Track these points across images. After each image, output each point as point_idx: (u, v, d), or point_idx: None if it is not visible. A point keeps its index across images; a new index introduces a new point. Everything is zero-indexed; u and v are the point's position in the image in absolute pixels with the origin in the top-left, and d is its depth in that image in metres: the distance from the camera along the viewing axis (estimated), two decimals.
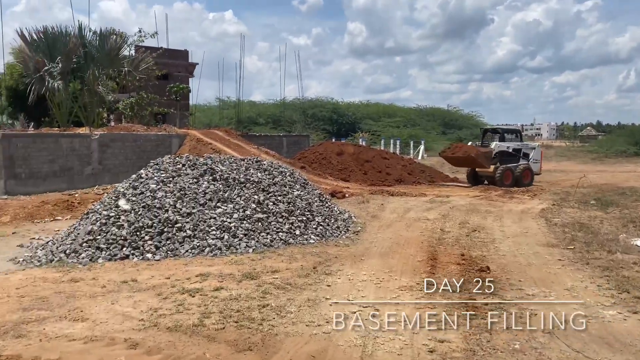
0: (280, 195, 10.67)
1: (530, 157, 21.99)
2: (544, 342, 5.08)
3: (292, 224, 10.01)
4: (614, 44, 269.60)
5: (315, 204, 11.28)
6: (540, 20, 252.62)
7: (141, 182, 9.74)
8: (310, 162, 22.90)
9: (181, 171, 10.19)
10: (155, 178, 9.81)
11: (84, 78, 30.04)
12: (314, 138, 45.30)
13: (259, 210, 9.93)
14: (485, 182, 21.94)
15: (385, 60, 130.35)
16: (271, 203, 10.28)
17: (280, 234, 9.62)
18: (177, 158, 10.69)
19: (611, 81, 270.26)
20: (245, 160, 11.72)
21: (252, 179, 10.69)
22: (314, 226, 10.30)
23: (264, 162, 11.85)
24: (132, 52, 34.25)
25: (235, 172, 10.77)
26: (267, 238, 9.37)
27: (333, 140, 41.81)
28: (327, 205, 11.71)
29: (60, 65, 29.19)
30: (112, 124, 30.31)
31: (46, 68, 29.38)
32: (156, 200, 9.22)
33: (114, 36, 32.63)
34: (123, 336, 5.15)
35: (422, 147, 42.97)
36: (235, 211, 9.63)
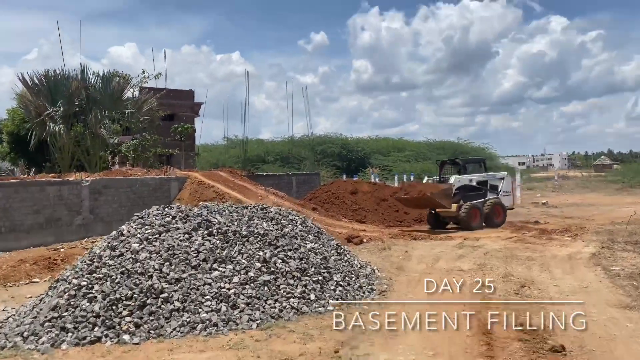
0: (290, 250, 8.92)
1: (499, 189, 19.15)
2: None
3: (305, 286, 8.22)
4: (620, 73, 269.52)
5: (333, 258, 9.51)
6: (545, 51, 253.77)
7: (121, 241, 8.04)
8: (322, 203, 21.19)
9: (170, 225, 8.50)
10: (139, 235, 8.10)
11: (86, 121, 29.17)
12: (324, 174, 43.97)
13: (265, 270, 8.17)
14: (450, 223, 19.09)
15: (392, 96, 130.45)
16: (280, 260, 8.53)
17: (292, 300, 7.83)
18: (166, 209, 9.02)
19: (619, 109, 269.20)
20: (248, 208, 10.03)
21: (256, 231, 8.97)
22: (332, 287, 8.50)
23: (271, 210, 10.16)
24: (136, 93, 33.51)
25: (236, 223, 9.06)
26: (274, 307, 7.58)
27: (344, 177, 40.27)
28: (345, 258, 9.92)
29: (61, 109, 28.35)
30: (117, 167, 29.18)
31: (47, 112, 28.51)
32: (138, 264, 7.50)
33: (117, 78, 31.93)
34: None
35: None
36: (236, 273, 7.88)
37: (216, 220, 8.91)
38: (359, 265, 9.99)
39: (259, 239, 8.82)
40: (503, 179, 19.71)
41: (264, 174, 25.41)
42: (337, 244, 10.42)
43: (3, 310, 8.67)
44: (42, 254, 12.77)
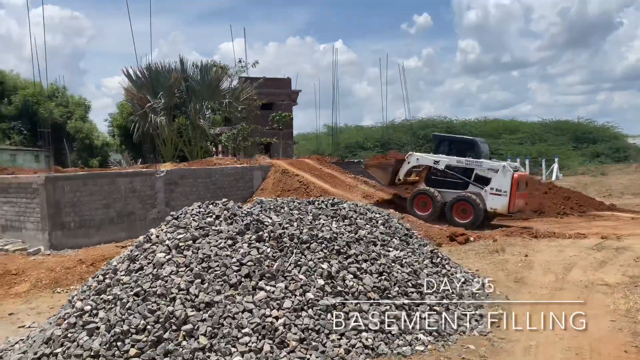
0: (366, 261, 6.68)
1: (489, 184, 14.63)
2: None
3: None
4: None
5: (426, 270, 7.12)
6: None
7: (145, 250, 6.26)
8: None
9: (211, 228, 6.59)
10: (168, 242, 6.27)
11: (187, 112, 29.25)
12: None
13: (330, 290, 6.01)
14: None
15: (501, 76, 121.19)
16: (350, 276, 6.31)
17: (364, 335, 5.60)
18: (210, 207, 7.14)
19: None
20: (315, 203, 7.90)
21: (321, 234, 6.82)
22: (424, 315, 6.13)
23: (344, 205, 7.96)
24: (235, 83, 33.22)
25: (295, 224, 6.97)
26: (339, 345, 5.41)
27: None
28: (444, 271, 7.47)
29: (162, 100, 28.54)
30: (220, 156, 28.93)
31: (149, 104, 28.89)
32: (159, 282, 5.65)
33: (215, 68, 31.73)
34: None
35: (555, 166, 36.45)
36: (289, 295, 5.79)
37: (270, 221, 6.87)
38: (462, 280, 7.48)
39: (323, 245, 6.66)
40: (497, 172, 14.58)
41: (356, 160, 23.24)
42: (433, 250, 7.96)
43: (29, 326, 7.34)
44: (104, 253, 11.61)
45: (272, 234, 6.57)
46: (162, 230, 6.59)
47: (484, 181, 14.73)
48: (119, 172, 14.41)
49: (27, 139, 41.16)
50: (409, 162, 15.91)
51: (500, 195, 14.36)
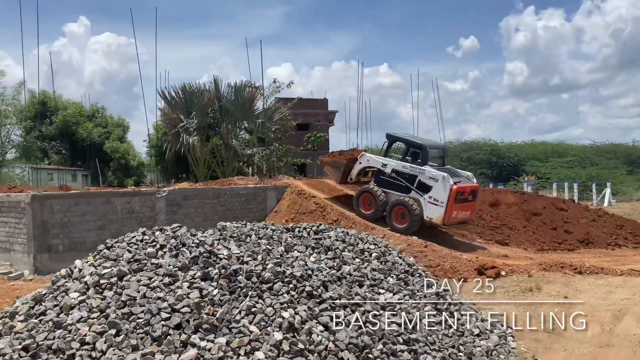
0: (345, 307, 5.18)
1: (429, 193, 14.20)
2: None
3: None
4: None
5: (426, 320, 5.54)
6: None
7: (58, 288, 4.97)
8: None
9: (149, 261, 5.25)
10: (88, 278, 4.97)
11: (220, 132, 28.81)
12: None
13: (287, 348, 4.54)
14: None
15: (551, 98, 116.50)
16: (320, 328, 4.83)
17: None
18: (157, 233, 5.82)
19: None
20: (296, 230, 6.47)
21: (289, 271, 5.37)
22: None
23: (330, 233, 6.49)
24: (271, 103, 32.69)
25: (259, 257, 5.55)
26: None
27: (490, 186, 34.86)
28: (451, 320, 5.84)
29: (195, 120, 28.23)
30: (255, 177, 28.25)
31: (181, 124, 28.67)
32: (59, 333, 4.34)
33: (248, 88, 31.31)
34: None
35: (608, 191, 33.58)
36: (229, 354, 4.36)
37: (225, 253, 5.48)
38: (476, 331, 5.84)
39: (291, 286, 5.21)
40: (437, 181, 14.12)
41: None
42: (439, 292, 6.33)
43: None
44: None
45: (223, 271, 5.17)
46: (87, 262, 5.30)
47: (425, 189, 14.50)
48: (116, 191, 13.39)
49: (66, 159, 41.70)
50: (360, 163, 16.08)
51: (437, 205, 14.09)
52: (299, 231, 6.47)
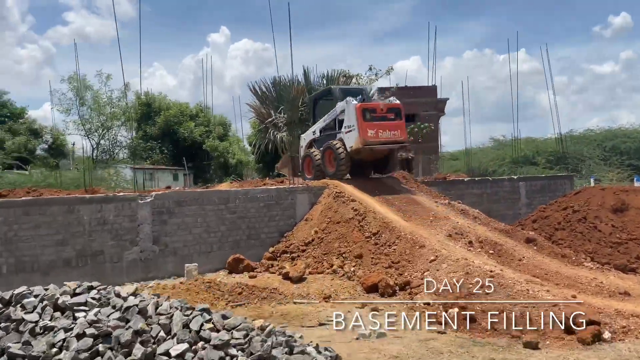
0: None
1: (343, 125, 13.72)
2: None
3: None
4: None
5: None
6: None
7: None
8: (553, 227, 11.80)
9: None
10: None
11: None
12: (612, 177, 32.42)
13: None
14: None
15: None
16: None
17: None
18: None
19: None
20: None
21: None
22: None
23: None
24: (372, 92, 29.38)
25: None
26: None
27: (635, 180, 27.72)
28: None
29: (283, 115, 26.09)
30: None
31: (269, 120, 27.09)
32: None
33: (342, 77, 28.63)
34: None
35: None
36: None
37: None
38: None
39: None
40: (345, 110, 13.63)
41: (465, 179, 16.68)
42: None
43: None
44: None
45: None
46: None
47: (342, 124, 13.95)
48: (82, 197, 10.63)
49: (167, 158, 41.95)
50: (302, 146, 16.06)
51: (352, 130, 13.34)
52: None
